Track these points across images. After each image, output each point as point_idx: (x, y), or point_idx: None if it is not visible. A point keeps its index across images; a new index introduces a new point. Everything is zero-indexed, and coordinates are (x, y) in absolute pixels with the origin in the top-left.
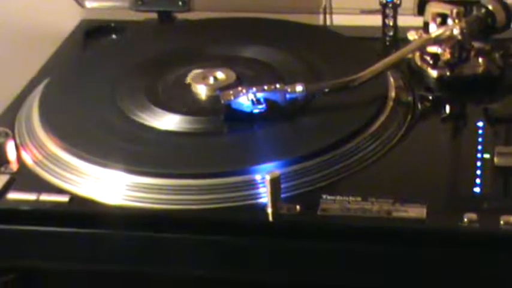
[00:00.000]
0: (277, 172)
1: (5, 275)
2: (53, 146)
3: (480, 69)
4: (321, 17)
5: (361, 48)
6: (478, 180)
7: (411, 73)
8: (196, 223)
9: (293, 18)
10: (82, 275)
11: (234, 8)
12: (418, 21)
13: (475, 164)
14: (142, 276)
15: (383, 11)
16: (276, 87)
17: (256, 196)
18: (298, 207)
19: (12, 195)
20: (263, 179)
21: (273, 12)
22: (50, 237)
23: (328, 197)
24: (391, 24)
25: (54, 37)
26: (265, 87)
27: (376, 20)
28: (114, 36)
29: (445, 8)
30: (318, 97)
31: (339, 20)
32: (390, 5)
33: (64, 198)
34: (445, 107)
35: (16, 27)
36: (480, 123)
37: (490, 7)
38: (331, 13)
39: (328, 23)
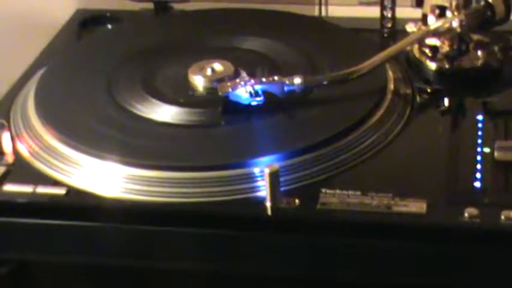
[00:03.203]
0: (276, 166)
1: (0, 267)
2: (49, 137)
3: (479, 62)
4: (317, 8)
5: (360, 40)
6: (478, 175)
7: (410, 65)
8: (194, 216)
9: (289, 9)
10: (78, 268)
11: None
12: (417, 13)
13: (475, 158)
14: (139, 270)
15: (381, 2)
16: (274, 80)
17: (254, 189)
18: (297, 200)
19: (8, 187)
20: (262, 172)
21: (268, 2)
22: (46, 229)
23: (328, 191)
24: (389, 15)
25: (49, 27)
26: (264, 79)
27: (372, 12)
28: (109, 26)
29: (444, 0)
30: (317, 89)
31: (335, 11)
32: None
33: (61, 191)
34: (444, 100)
35: (11, 17)
36: (480, 117)
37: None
38: (326, 4)
39: (323, 14)
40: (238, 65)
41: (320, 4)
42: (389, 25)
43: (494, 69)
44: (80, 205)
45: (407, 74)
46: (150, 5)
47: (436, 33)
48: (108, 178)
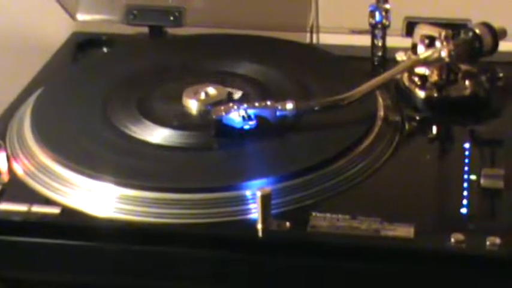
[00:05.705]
0: (268, 189)
1: None
2: (44, 157)
3: (467, 91)
4: (308, 35)
5: (350, 67)
6: (465, 201)
7: (399, 93)
8: (186, 237)
9: (280, 36)
10: (71, 287)
11: (223, 25)
12: (406, 42)
13: (462, 185)
14: None
15: (372, 31)
16: (266, 104)
17: (246, 212)
18: (287, 223)
19: (3, 206)
20: (254, 195)
21: (261, 29)
22: (40, 248)
23: (318, 214)
24: (379, 44)
25: (45, 49)
26: (256, 104)
27: (363, 40)
28: (105, 49)
29: (433, 31)
30: (308, 115)
31: (326, 39)
32: (379, 26)
33: (56, 210)
34: (432, 128)
35: (8, 39)
36: (467, 145)
37: (477, 31)
38: (317, 32)
39: (314, 41)
40: (231, 89)
41: (311, 32)
42: (379, 53)
43: (481, 98)
44: (75, 224)
45: (396, 101)
46: (145, 29)
47: (425, 62)
48: (102, 198)
